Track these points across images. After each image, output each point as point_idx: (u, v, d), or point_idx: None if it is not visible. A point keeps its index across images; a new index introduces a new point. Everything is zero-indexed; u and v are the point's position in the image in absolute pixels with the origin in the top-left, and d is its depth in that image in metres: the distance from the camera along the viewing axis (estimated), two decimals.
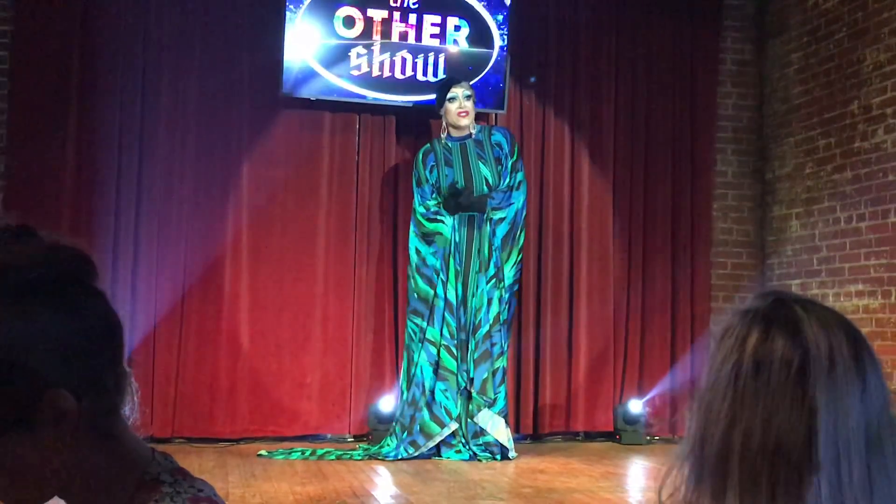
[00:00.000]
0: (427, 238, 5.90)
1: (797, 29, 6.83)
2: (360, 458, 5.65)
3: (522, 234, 6.06)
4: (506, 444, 5.74)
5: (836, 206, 6.38)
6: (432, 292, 5.81)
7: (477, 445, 5.76)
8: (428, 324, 5.79)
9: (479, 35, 6.45)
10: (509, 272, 5.94)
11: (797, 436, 0.96)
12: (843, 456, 0.96)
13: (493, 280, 5.85)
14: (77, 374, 0.99)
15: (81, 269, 1.04)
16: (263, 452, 5.75)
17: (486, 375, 5.76)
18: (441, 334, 5.77)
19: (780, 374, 0.98)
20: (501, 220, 5.92)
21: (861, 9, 6.19)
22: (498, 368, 5.80)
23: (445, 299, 5.80)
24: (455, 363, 5.77)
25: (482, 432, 5.77)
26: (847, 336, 1.00)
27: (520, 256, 6.02)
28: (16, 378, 0.96)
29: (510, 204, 5.94)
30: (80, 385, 0.99)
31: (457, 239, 5.88)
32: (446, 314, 5.79)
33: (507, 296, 5.93)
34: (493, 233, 5.90)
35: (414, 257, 5.93)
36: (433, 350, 5.78)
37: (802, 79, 6.75)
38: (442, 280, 5.82)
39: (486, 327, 5.78)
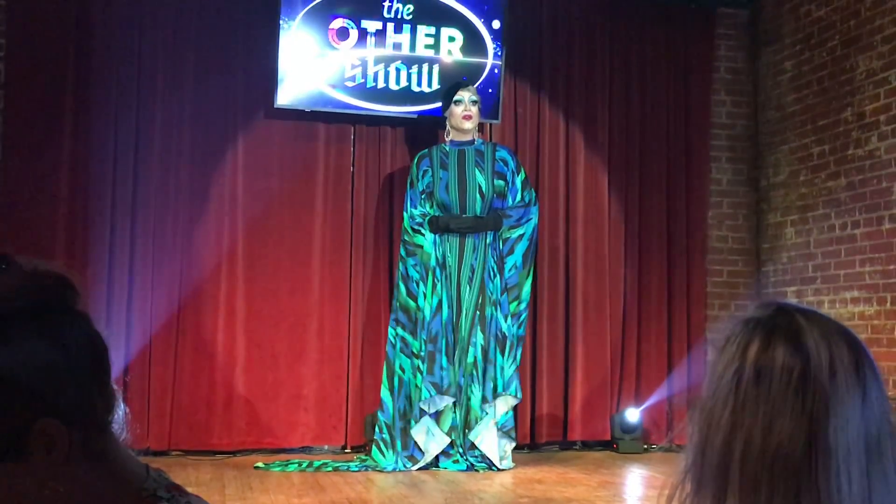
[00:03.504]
0: (410, 247, 5.91)
1: (790, 37, 6.85)
2: (356, 469, 5.64)
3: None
4: (496, 462, 5.71)
5: (830, 213, 6.39)
6: (414, 304, 5.82)
7: (474, 456, 5.76)
8: (413, 336, 5.79)
9: (473, 45, 6.46)
10: (527, 289, 5.97)
11: (797, 443, 0.96)
12: (842, 464, 0.96)
13: (501, 298, 5.86)
14: (65, 401, 0.98)
15: (62, 293, 1.03)
16: (260, 464, 5.73)
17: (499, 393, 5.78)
18: (422, 347, 5.75)
19: (780, 382, 0.98)
20: (521, 237, 5.94)
21: (854, 17, 6.21)
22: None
23: (433, 311, 5.79)
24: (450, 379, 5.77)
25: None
26: (848, 345, 1.00)
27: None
28: (4, 410, 0.95)
29: (529, 220, 5.98)
30: (69, 411, 0.98)
31: (439, 254, 5.85)
32: (433, 327, 5.79)
33: (523, 314, 5.95)
34: (512, 250, 5.91)
35: (400, 266, 5.95)
36: (417, 362, 5.76)
37: (796, 86, 6.77)
38: (424, 293, 5.80)
39: (491, 347, 5.77)
